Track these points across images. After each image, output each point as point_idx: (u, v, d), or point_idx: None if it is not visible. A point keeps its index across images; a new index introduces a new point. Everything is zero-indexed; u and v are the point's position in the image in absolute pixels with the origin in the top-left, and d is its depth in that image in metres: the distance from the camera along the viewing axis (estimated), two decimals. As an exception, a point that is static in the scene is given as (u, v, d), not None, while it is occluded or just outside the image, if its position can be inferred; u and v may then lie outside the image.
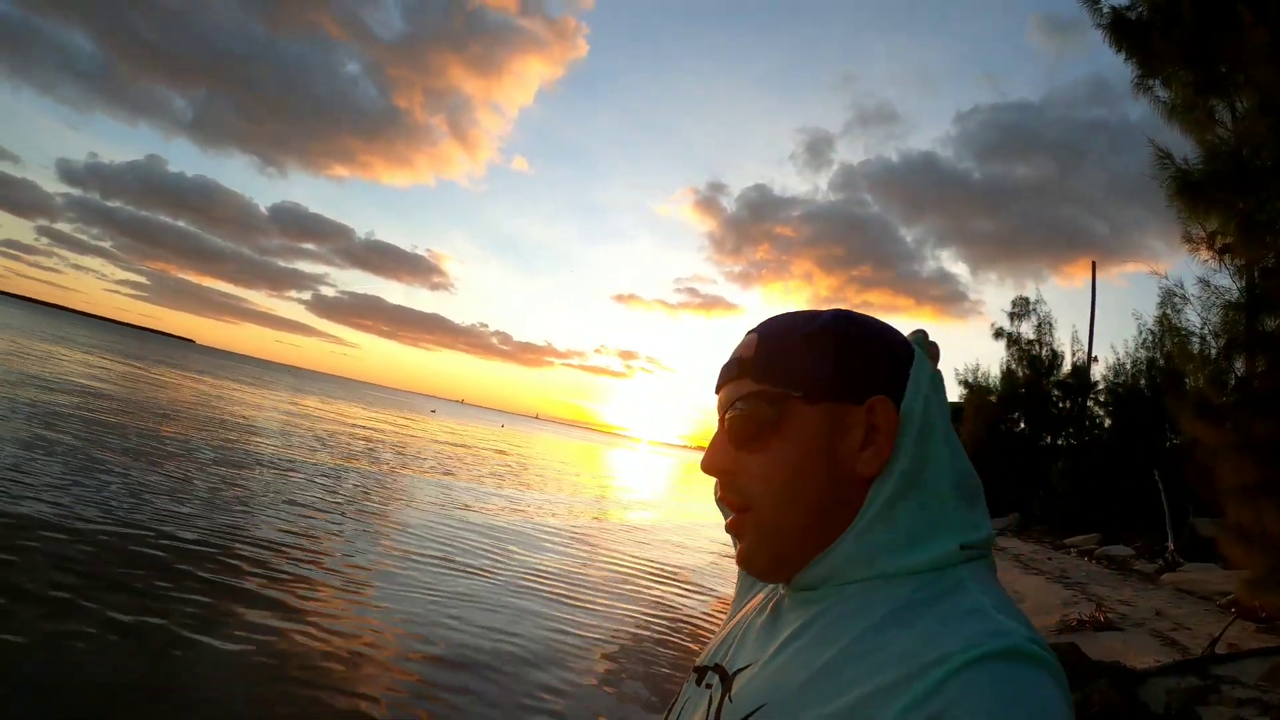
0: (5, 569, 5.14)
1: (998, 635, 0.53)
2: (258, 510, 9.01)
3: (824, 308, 0.76)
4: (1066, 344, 28.29)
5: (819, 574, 0.67)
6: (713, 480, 0.76)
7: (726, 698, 0.67)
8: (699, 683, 0.77)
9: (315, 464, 14.61)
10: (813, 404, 0.68)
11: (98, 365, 28.88)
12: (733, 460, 0.71)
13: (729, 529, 0.73)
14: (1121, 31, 8.76)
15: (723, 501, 0.77)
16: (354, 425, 29.63)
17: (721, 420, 0.74)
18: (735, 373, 0.74)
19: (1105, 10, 9.06)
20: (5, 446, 9.17)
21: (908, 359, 0.71)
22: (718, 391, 0.77)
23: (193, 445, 13.05)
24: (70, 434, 11.03)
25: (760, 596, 0.81)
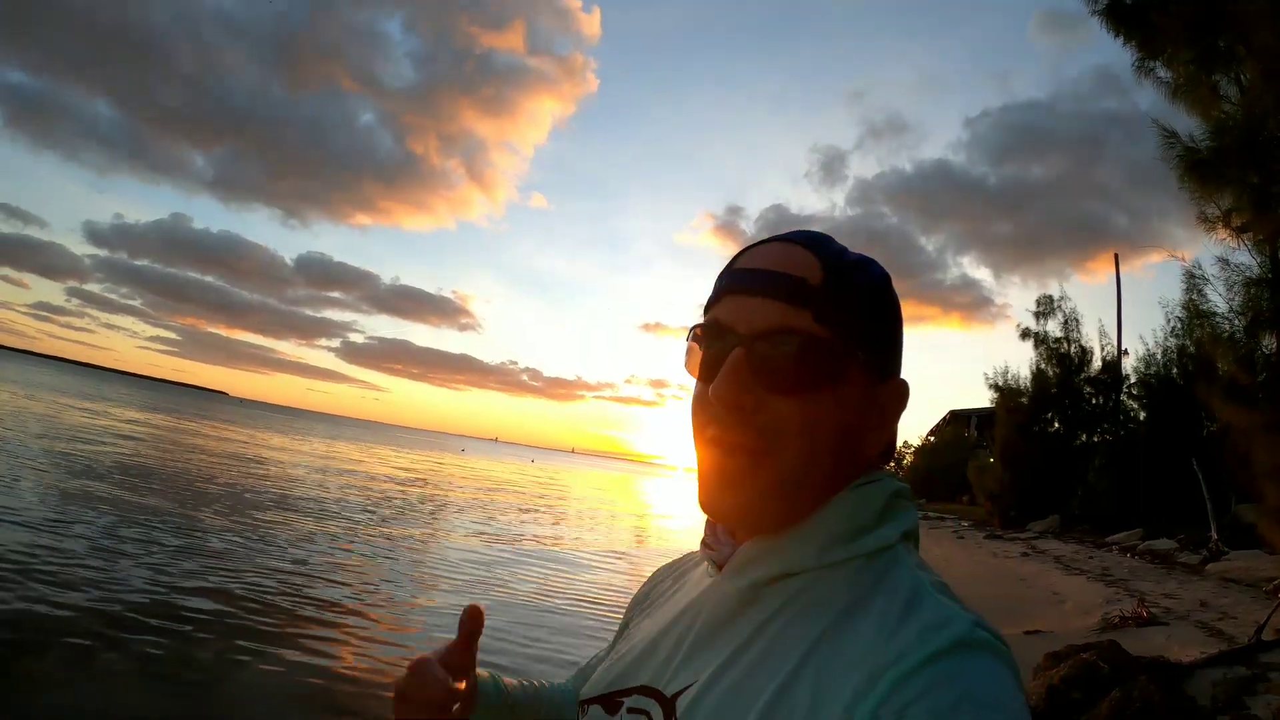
0: (50, 610, 5.19)
1: (945, 626, 0.52)
2: (296, 550, 9.05)
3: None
4: (1095, 340, 27.79)
5: (784, 562, 0.61)
6: None
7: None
8: (612, 712, 0.67)
9: (348, 503, 14.70)
10: (867, 370, 0.63)
11: (135, 421, 29.40)
12: (755, 396, 0.60)
13: (725, 473, 0.61)
14: (1118, 15, 8.71)
15: (725, 443, 0.61)
16: (388, 468, 29.82)
17: (750, 342, 0.61)
18: (796, 299, 0.61)
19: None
20: (50, 497, 9.35)
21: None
22: (747, 293, 0.63)
23: (231, 492, 13.19)
24: (108, 484, 11.21)
25: (673, 603, 0.74)
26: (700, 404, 0.64)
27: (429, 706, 0.64)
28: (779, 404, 0.60)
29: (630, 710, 0.65)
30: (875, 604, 0.55)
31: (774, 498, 0.61)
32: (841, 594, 0.58)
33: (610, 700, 0.68)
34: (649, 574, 0.88)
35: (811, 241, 0.64)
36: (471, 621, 0.72)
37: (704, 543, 0.72)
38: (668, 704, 0.61)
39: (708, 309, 0.67)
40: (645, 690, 0.65)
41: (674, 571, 0.83)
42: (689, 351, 0.67)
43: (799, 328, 0.60)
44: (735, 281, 0.64)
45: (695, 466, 0.65)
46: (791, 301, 0.61)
